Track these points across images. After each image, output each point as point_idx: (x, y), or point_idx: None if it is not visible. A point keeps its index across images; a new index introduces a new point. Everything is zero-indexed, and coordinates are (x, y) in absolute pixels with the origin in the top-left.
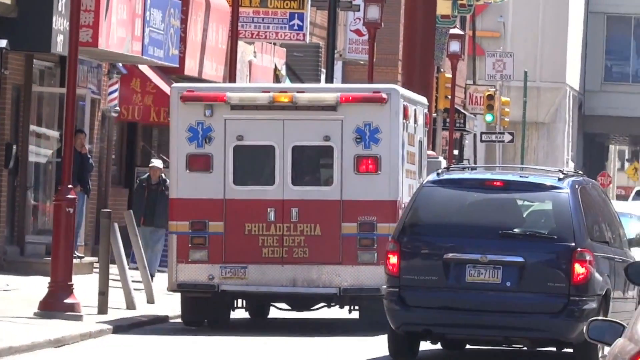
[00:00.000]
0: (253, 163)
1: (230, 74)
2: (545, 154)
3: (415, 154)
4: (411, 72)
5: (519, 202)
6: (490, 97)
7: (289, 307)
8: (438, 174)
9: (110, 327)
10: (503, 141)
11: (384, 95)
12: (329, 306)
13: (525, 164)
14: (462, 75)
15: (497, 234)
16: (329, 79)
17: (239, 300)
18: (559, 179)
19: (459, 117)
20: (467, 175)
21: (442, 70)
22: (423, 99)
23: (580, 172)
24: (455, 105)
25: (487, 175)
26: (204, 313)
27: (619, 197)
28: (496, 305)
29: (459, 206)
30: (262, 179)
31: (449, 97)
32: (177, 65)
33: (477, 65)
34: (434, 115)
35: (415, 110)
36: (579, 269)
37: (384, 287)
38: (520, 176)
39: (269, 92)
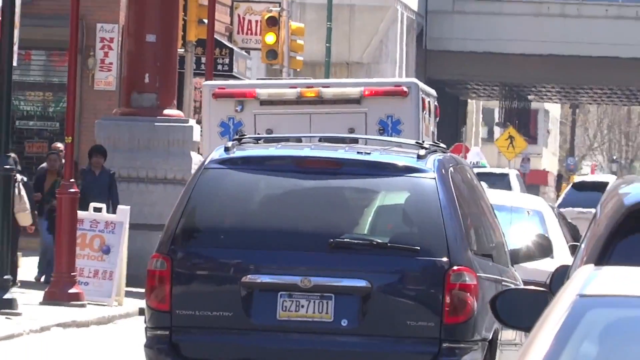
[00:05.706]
0: None
1: None
2: None
3: None
4: None
5: (359, 194)
6: (273, 22)
7: None
8: (227, 149)
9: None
10: None
11: (405, 89)
12: None
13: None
14: None
15: (326, 245)
16: None
17: None
18: (419, 157)
19: (222, 53)
20: (273, 150)
21: None
22: (433, 91)
23: (443, 145)
24: (216, 35)
25: (306, 152)
26: None
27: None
28: (326, 358)
29: (263, 200)
30: None
31: (205, 21)
32: None
33: None
34: (180, 51)
35: (429, 102)
36: (456, 299)
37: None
38: (358, 152)
39: (296, 87)
